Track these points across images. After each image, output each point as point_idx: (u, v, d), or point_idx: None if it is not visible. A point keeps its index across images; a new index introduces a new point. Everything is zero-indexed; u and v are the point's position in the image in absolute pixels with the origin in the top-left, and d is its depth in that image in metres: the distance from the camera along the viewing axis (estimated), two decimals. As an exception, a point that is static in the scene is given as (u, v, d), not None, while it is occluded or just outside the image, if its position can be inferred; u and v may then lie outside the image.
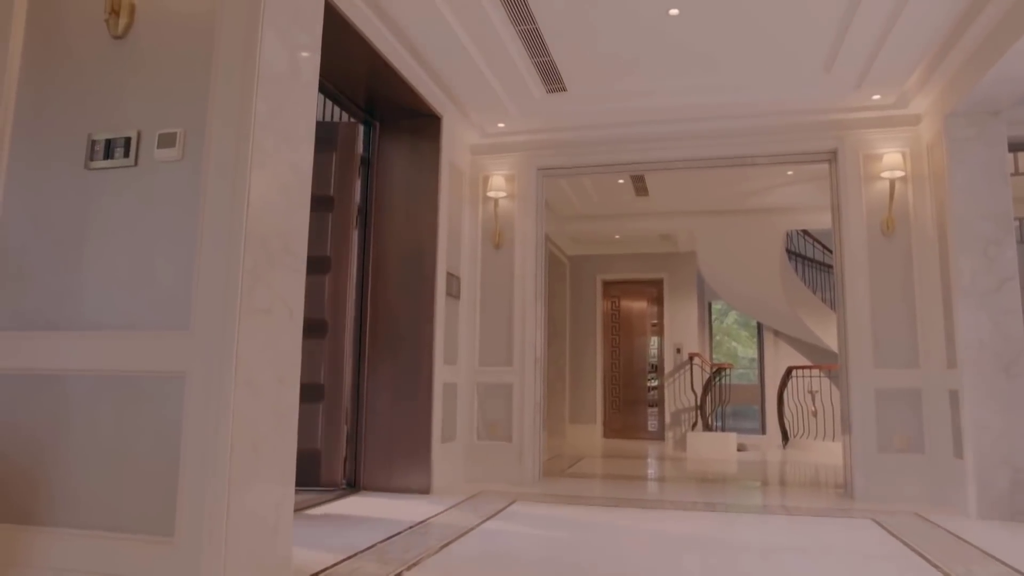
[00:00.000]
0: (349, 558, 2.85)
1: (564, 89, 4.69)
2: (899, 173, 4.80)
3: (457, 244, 5.26)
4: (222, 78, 2.03)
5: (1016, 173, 4.63)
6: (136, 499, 1.90)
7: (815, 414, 9.00)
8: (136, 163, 2.07)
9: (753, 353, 12.41)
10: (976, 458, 4.03)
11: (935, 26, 3.84)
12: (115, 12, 2.16)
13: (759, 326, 12.02)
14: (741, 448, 8.63)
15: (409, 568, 2.74)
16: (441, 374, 4.84)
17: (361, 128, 4.88)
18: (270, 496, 2.02)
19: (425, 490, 4.55)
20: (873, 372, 4.73)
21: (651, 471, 6.75)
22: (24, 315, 2.10)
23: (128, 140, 2.08)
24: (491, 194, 5.51)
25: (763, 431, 10.97)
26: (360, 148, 4.83)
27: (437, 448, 4.69)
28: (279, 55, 2.12)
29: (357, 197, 4.75)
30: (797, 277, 9.99)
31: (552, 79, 4.56)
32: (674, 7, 3.73)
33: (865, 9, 3.71)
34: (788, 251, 10.30)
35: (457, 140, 5.24)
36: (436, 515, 3.88)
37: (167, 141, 2.05)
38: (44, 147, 2.17)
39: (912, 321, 4.69)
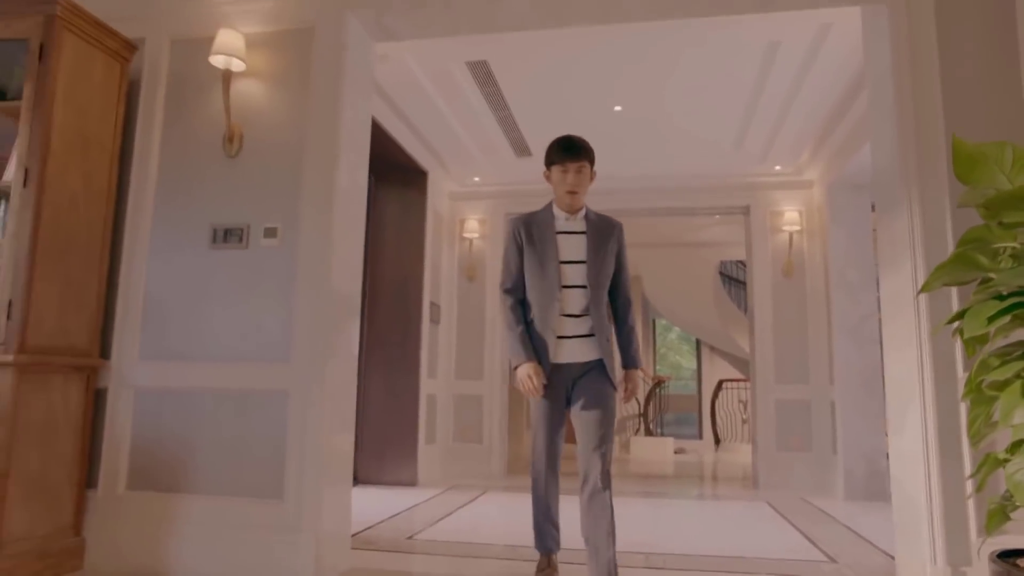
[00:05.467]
0: (373, 526, 3.83)
1: (530, 155, 5.75)
2: (796, 227, 6.01)
3: (438, 277, 6.25)
4: (308, 189, 3.00)
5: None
6: (253, 474, 2.86)
7: (746, 421, 10.25)
8: (247, 247, 3.03)
9: (695, 366, 13.68)
10: (844, 453, 5.22)
11: (815, 120, 5.03)
12: (230, 140, 3.12)
13: (698, 341, 13.32)
14: (679, 451, 9.79)
15: (415, 535, 3.74)
16: (425, 387, 5.82)
17: (359, 179, 5.84)
18: (342, 471, 2.99)
19: (412, 483, 5.52)
20: (775, 386, 5.89)
21: (599, 470, 7.80)
22: (165, 349, 3.02)
23: (241, 230, 3.04)
24: (466, 235, 6.53)
25: (700, 436, 12.22)
26: (358, 196, 5.78)
27: (422, 448, 5.66)
28: (345, 171, 3.10)
29: (356, 238, 5.70)
30: (729, 299, 11.28)
31: (521, 149, 5.62)
32: (618, 105, 4.83)
33: (762, 105, 4.84)
34: (724, 275, 11.60)
35: (439, 190, 6.25)
36: (426, 501, 4.87)
37: (270, 233, 3.01)
38: (178, 234, 3.09)
39: (804, 346, 5.88)
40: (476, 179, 6.40)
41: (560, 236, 2.66)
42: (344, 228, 3.07)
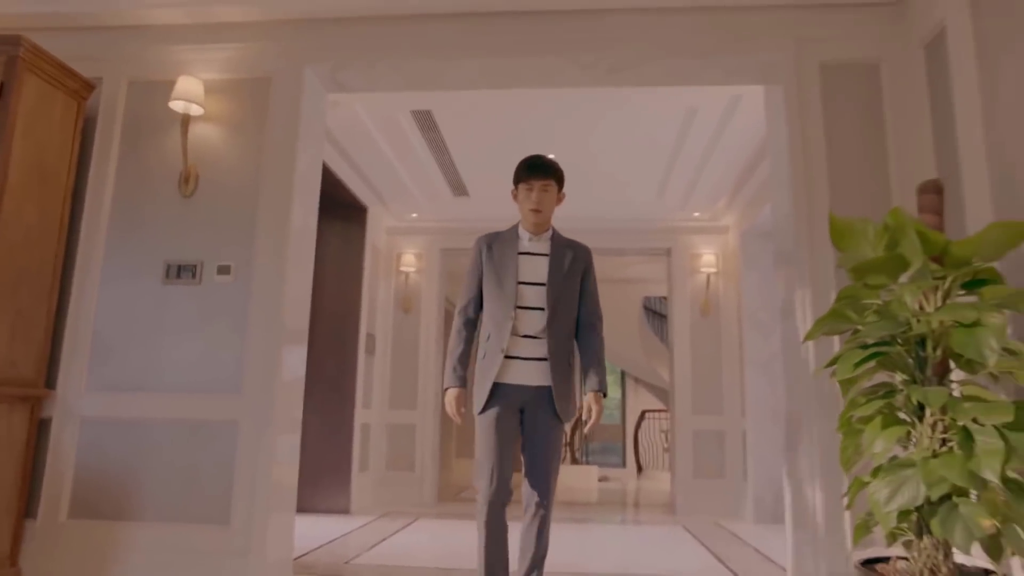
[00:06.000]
0: (310, 552, 3.94)
1: (467, 195, 6.03)
2: (713, 269, 6.49)
3: (374, 309, 6.41)
4: (263, 230, 3.17)
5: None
6: (201, 501, 2.97)
7: (667, 450, 10.70)
8: (200, 283, 3.16)
9: (619, 396, 14.15)
10: (754, 480, 5.65)
11: (730, 174, 5.51)
12: (186, 180, 3.27)
13: (623, 373, 13.80)
14: (603, 479, 10.13)
15: (351, 560, 3.88)
16: (360, 416, 5.94)
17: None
18: (287, 498, 3.13)
19: (345, 511, 5.61)
20: (692, 417, 6.30)
21: (526, 498, 8.03)
22: (115, 381, 3.10)
23: (194, 266, 3.18)
24: (403, 268, 6.73)
25: (624, 464, 12.63)
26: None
27: (356, 476, 5.77)
28: (298, 214, 3.29)
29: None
30: (653, 333, 11.80)
31: (459, 189, 5.90)
32: (551, 153, 5.17)
33: (682, 159, 5.28)
34: (649, 309, 12.13)
35: (378, 225, 6.44)
36: (360, 527, 4.98)
37: (223, 270, 3.16)
38: (130, 269, 3.19)
39: (719, 379, 6.32)
40: (414, 215, 6.63)
41: (522, 256, 2.63)
42: (296, 267, 3.25)
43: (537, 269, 2.62)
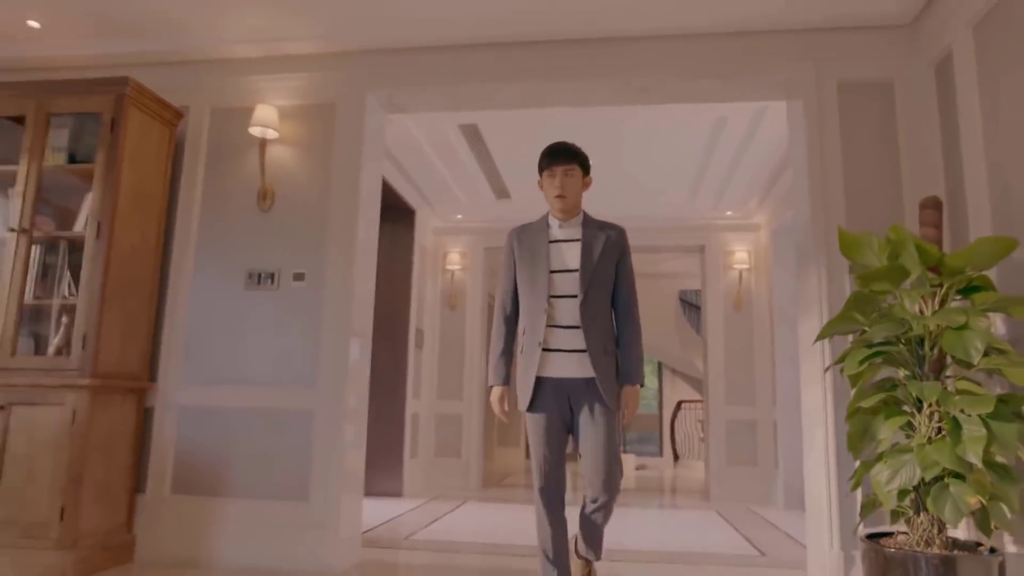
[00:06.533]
0: (372, 529, 4.37)
1: (509, 197, 6.38)
2: (745, 266, 6.74)
3: (422, 305, 6.83)
4: (332, 241, 3.58)
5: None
6: (282, 480, 3.41)
7: (703, 439, 10.95)
8: (278, 288, 3.59)
9: (656, 387, 14.39)
10: (784, 468, 5.91)
11: (760, 175, 5.76)
12: (264, 197, 3.69)
13: (659, 364, 14.04)
14: (641, 467, 10.43)
15: (410, 536, 4.29)
16: (410, 406, 6.36)
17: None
18: (355, 480, 3.54)
19: (398, 494, 6.04)
20: (725, 407, 6.58)
21: (566, 484, 8.39)
22: (206, 375, 3.56)
23: (273, 274, 3.60)
24: (449, 267, 7.13)
25: (661, 453, 12.91)
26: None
27: (407, 462, 6.20)
28: (363, 225, 3.69)
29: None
30: (689, 325, 12.01)
31: (501, 192, 6.26)
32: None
33: (714, 164, 5.55)
34: (685, 301, 12.34)
35: (425, 226, 6.85)
36: (413, 509, 5.41)
37: (299, 277, 3.58)
38: (217, 277, 3.64)
39: (751, 371, 6.58)
40: (459, 216, 7.01)
41: (552, 245, 2.57)
42: (361, 274, 3.65)
43: (569, 256, 2.56)
